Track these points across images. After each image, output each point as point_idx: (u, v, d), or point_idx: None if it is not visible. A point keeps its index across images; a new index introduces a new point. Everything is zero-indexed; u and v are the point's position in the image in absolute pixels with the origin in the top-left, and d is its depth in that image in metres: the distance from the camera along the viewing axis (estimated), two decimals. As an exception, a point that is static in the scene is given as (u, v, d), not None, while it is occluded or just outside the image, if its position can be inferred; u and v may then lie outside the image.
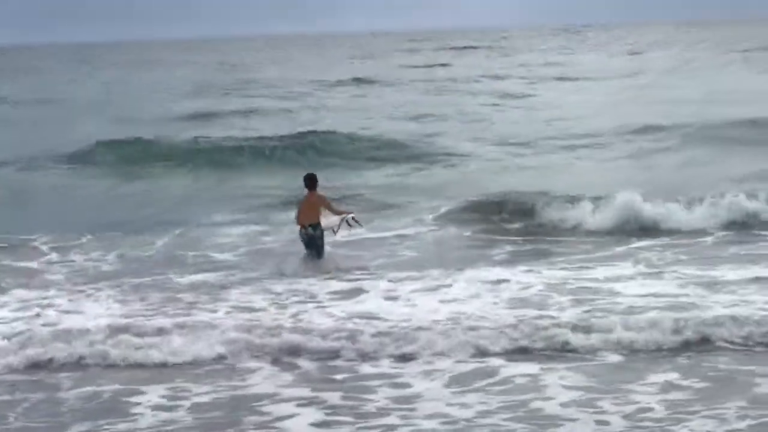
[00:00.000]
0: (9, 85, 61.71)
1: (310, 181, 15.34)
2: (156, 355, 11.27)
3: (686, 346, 11.23)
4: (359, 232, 16.56)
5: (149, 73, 76.83)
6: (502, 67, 67.68)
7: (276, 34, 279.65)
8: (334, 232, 15.61)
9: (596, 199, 18.17)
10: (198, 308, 13.08)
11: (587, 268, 14.78)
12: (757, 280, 13.62)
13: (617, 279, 13.99)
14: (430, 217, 18.80)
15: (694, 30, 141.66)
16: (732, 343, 11.28)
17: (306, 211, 15.19)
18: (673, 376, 10.44)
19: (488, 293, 13.35)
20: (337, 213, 15.51)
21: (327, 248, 15.37)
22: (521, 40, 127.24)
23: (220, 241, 17.34)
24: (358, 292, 13.75)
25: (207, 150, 28.05)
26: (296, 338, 11.58)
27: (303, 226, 15.20)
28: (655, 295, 13.06)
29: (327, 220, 15.32)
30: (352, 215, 15.71)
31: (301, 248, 15.37)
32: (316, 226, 15.13)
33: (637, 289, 13.36)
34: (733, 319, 11.63)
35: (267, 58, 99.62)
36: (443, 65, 73.13)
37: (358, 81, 56.43)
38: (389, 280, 14.24)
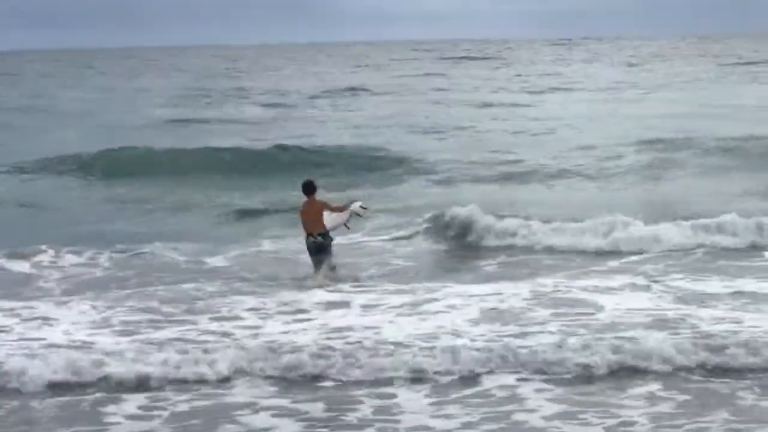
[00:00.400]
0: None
1: (309, 188, 15.14)
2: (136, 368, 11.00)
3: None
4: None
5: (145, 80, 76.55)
6: (490, 78, 67.76)
7: (285, 43, 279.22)
8: (347, 227, 15.47)
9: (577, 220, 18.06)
10: (181, 319, 12.94)
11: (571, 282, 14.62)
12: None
13: (601, 292, 13.87)
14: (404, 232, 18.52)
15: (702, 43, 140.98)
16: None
17: (312, 219, 14.95)
18: (655, 387, 10.34)
19: (469, 307, 13.17)
20: (343, 210, 15.26)
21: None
22: (520, 51, 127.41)
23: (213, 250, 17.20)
24: (346, 304, 13.60)
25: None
26: (282, 351, 11.37)
27: (311, 235, 14.99)
28: (638, 309, 12.97)
29: (334, 217, 15.09)
30: (359, 204, 15.50)
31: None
32: (325, 234, 14.97)
33: (621, 304, 13.23)
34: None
35: (262, 67, 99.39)
36: (439, 74, 73.15)
37: (349, 90, 56.23)
38: (379, 292, 14.12)
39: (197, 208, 21.79)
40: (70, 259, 16.45)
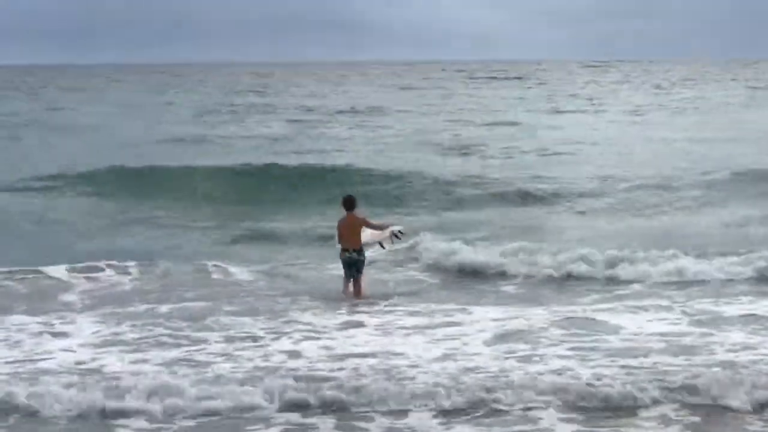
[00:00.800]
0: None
1: (349, 203, 15.23)
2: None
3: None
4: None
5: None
6: (502, 97, 67.60)
7: (320, 61, 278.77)
8: (383, 247, 15.72)
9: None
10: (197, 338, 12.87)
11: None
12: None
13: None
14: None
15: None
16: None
17: (349, 235, 15.12)
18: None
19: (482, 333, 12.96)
20: (381, 228, 15.52)
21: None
22: (551, 72, 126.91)
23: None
24: (359, 324, 13.56)
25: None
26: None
27: (347, 250, 15.12)
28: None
29: (372, 235, 15.33)
30: (399, 228, 15.73)
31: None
32: (360, 251, 15.11)
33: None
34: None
35: (289, 85, 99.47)
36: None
37: (362, 111, 55.68)
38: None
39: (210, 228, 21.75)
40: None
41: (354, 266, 15.14)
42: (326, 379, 10.78)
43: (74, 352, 12.11)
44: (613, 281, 16.42)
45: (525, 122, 46.38)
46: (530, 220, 22.22)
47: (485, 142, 37.72)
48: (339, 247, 15.29)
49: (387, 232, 15.46)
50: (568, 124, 46.14)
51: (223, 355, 11.94)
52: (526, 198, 25.32)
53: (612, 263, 16.92)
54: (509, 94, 73.07)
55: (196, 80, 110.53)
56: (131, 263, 17.11)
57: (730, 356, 11.60)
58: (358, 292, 15.20)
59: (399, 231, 15.61)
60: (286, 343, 12.50)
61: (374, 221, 15.71)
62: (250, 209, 23.74)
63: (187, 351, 12.14)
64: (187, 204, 24.44)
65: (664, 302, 14.58)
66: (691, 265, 16.73)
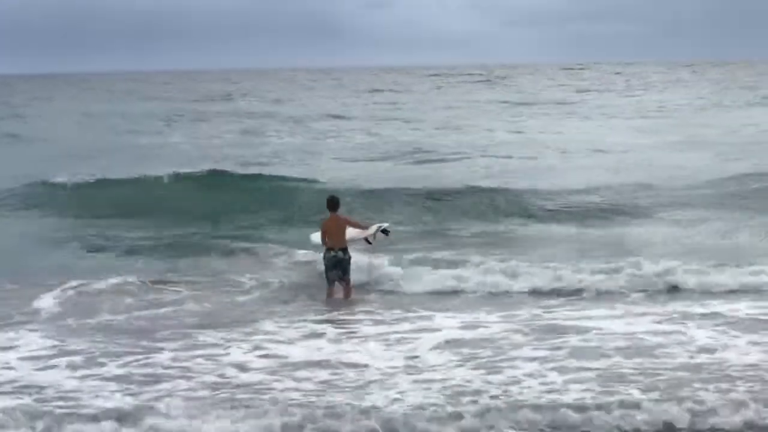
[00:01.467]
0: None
1: (333, 203, 15.54)
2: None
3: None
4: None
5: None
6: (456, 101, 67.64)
7: (306, 67, 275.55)
8: (369, 242, 15.89)
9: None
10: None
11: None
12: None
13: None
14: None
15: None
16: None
17: (335, 234, 15.40)
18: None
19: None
20: (366, 227, 15.86)
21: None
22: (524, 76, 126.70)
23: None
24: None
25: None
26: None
27: (332, 249, 15.30)
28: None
29: (356, 232, 15.67)
30: (385, 225, 16.15)
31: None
32: (345, 250, 15.38)
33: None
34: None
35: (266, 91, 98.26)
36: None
37: (331, 117, 54.98)
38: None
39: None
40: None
41: (339, 266, 15.36)
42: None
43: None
44: None
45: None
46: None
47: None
48: (324, 247, 15.49)
49: (373, 229, 15.81)
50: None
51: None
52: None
53: None
54: (477, 98, 72.90)
55: (161, 88, 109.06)
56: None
57: None
58: (347, 294, 15.46)
59: (385, 228, 15.97)
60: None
61: (358, 221, 16.10)
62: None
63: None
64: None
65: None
66: None
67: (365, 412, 10.22)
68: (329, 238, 15.42)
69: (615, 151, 35.77)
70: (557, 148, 37.02)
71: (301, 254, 18.16)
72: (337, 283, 15.55)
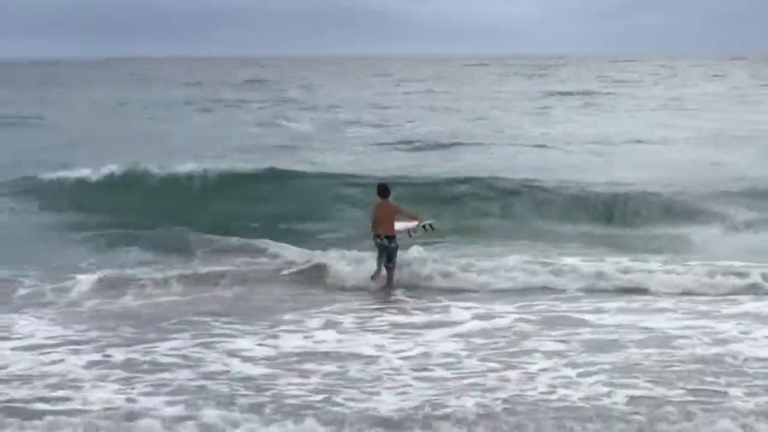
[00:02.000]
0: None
1: (384, 190, 15.63)
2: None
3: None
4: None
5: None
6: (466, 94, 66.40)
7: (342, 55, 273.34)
8: (410, 235, 15.96)
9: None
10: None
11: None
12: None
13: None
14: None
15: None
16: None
17: (384, 221, 15.45)
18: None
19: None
20: (414, 218, 15.96)
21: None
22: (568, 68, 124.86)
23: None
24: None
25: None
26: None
27: (378, 236, 15.45)
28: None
29: (402, 223, 15.70)
30: (430, 222, 16.20)
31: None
32: (392, 238, 15.43)
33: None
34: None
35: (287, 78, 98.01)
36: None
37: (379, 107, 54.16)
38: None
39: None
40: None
41: (385, 253, 15.40)
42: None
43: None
44: None
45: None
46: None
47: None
48: (372, 233, 15.61)
49: (419, 221, 15.92)
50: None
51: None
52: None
53: None
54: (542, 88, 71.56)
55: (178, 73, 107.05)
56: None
57: None
58: (390, 282, 15.42)
59: (430, 224, 16.12)
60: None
61: (408, 211, 15.91)
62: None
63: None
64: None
65: None
66: None
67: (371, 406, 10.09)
68: (376, 224, 15.51)
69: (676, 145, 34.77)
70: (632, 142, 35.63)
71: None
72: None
